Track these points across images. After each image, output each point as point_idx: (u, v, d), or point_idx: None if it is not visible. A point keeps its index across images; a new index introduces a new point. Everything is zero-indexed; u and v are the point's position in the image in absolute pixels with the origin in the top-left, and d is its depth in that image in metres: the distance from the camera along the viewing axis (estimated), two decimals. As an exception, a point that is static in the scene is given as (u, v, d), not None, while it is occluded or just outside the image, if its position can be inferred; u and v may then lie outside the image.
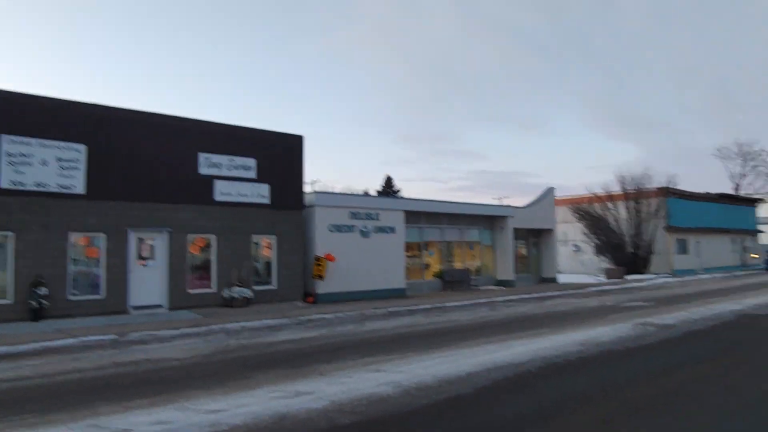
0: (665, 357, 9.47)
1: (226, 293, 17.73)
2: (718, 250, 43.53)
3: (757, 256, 48.11)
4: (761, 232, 51.13)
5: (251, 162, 18.87)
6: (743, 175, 56.46)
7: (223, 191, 18.17)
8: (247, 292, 17.92)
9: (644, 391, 7.07)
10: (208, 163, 17.91)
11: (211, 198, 17.89)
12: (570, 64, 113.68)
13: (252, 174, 18.88)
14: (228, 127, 18.77)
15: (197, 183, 17.66)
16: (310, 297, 19.71)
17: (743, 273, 39.65)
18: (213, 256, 17.99)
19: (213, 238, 17.99)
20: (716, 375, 8.12)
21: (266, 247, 19.49)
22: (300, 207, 20.22)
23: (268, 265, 19.51)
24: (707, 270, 39.99)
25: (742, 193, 54.12)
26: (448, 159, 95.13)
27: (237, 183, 18.52)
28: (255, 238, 19.06)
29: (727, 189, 53.76)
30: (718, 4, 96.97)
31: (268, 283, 19.29)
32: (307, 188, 21.38)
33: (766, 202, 54.50)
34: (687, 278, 33.82)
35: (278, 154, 19.70)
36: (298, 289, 19.77)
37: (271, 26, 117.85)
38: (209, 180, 17.91)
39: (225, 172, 18.26)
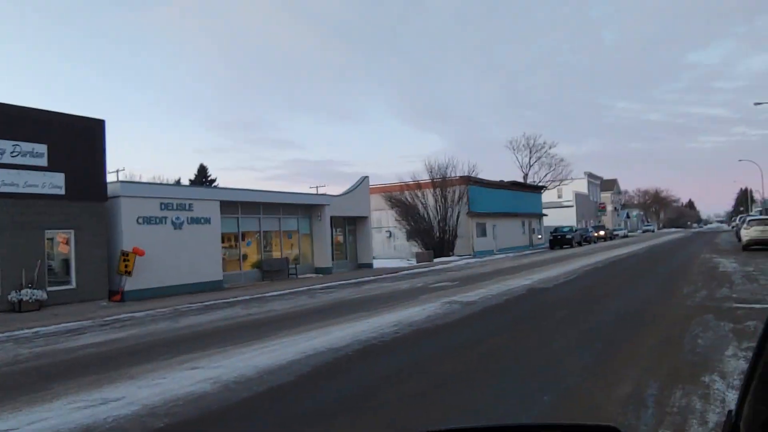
0: (468, 332, 10.40)
1: (13, 297, 15.68)
2: (511, 232, 48.70)
3: (541, 237, 54.86)
4: (545, 215, 58.33)
5: (41, 148, 16.83)
6: (530, 165, 63.59)
7: (6, 181, 16.00)
8: (39, 294, 16.03)
9: (450, 365, 7.70)
10: (-14, 149, 15.62)
11: (-10, 189, 15.65)
12: (382, 57, 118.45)
13: (43, 161, 16.86)
14: (10, 107, 16.52)
15: (-28, 172, 15.33)
16: (117, 295, 18.24)
17: (531, 252, 44.82)
18: (-4, 255, 15.79)
19: (-5, 235, 15.78)
20: (510, 345, 9.11)
21: (63, 242, 17.60)
22: (102, 198, 18.53)
23: (65, 262, 17.64)
24: (502, 250, 44.57)
25: (530, 181, 61.02)
26: (264, 148, 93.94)
27: (24, 172, 16.41)
28: (49, 233, 17.11)
29: (518, 177, 60.15)
30: (511, 9, 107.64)
31: (66, 282, 17.45)
32: (111, 177, 19.67)
33: (548, 189, 62.18)
34: (486, 258, 37.31)
35: (75, 140, 17.83)
36: (103, 287, 18.17)
37: (63, 2, 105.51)
38: (-12, 168, 15.63)
39: (8, 160, 16.08)
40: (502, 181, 50.02)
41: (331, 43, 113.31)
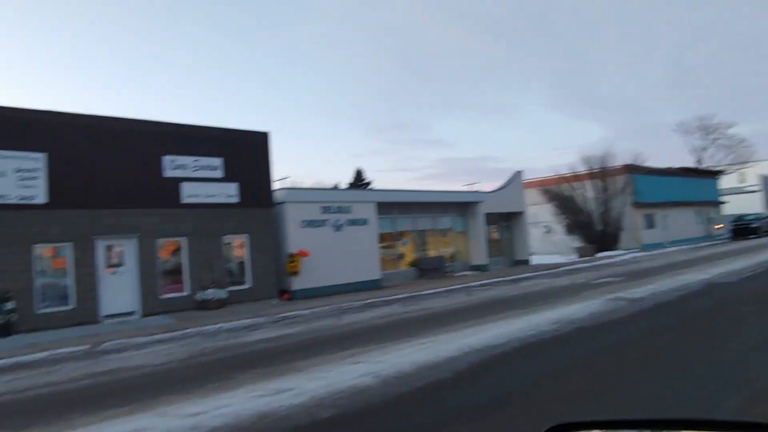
0: (635, 329, 9.68)
1: (199, 296, 17.53)
2: (683, 222, 44.57)
3: (721, 226, 49.42)
4: (724, 203, 52.49)
5: (217, 161, 18.65)
6: (704, 149, 57.67)
7: (190, 193, 17.93)
8: (221, 294, 17.75)
9: (616, 363, 7.23)
10: (173, 166, 17.64)
11: (178, 200, 17.64)
12: (531, 47, 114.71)
13: (219, 173, 18.66)
14: (191, 128, 18.51)
15: (163, 186, 17.39)
16: (286, 294, 19.63)
17: (709, 244, 40.69)
18: (184, 259, 17.76)
19: (183, 241, 17.76)
20: (684, 344, 8.32)
21: (238, 246, 19.31)
22: (270, 204, 20.07)
23: (241, 264, 19.35)
24: (674, 243, 40.95)
25: (704, 166, 55.35)
26: (417, 148, 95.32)
27: (204, 184, 18.29)
28: (226, 238, 18.87)
29: (689, 163, 54.87)
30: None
31: (242, 282, 19.13)
32: (276, 185, 21.23)
33: (727, 173, 55.87)
34: (655, 252, 34.56)
35: (244, 152, 19.50)
36: (273, 287, 19.65)
37: (230, 23, 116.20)
38: (175, 182, 17.65)
39: (191, 174, 18.01)
40: (670, 168, 45.94)
41: (478, 38, 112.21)
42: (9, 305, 13.88)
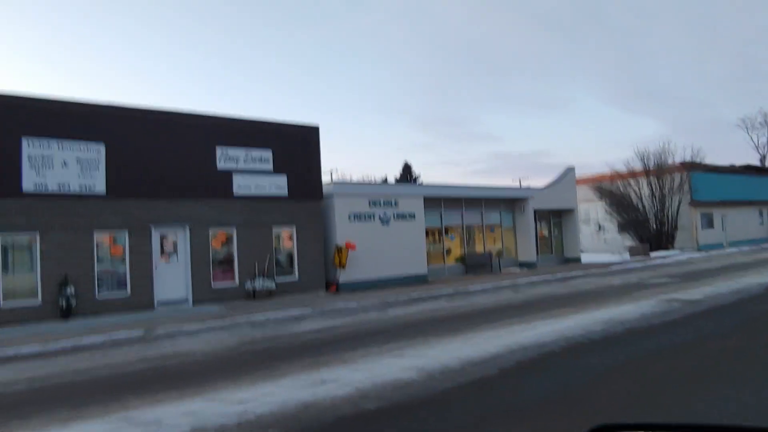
0: (690, 332, 9.35)
1: (249, 286, 17.91)
2: (744, 223, 42.72)
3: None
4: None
5: (268, 154, 18.96)
6: (770, 145, 55.09)
7: (241, 184, 18.30)
8: (270, 284, 18.08)
9: (668, 366, 7.00)
10: (225, 157, 18.04)
11: (230, 192, 18.04)
12: (585, 39, 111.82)
13: (269, 166, 18.97)
14: (243, 121, 18.87)
15: (216, 177, 17.81)
16: (333, 286, 19.83)
17: (772, 245, 38.90)
18: (235, 250, 18.17)
19: (234, 232, 18.16)
20: (743, 348, 7.99)
21: (287, 238, 19.61)
22: (319, 197, 20.29)
23: (289, 256, 19.64)
24: (734, 244, 39.32)
25: (769, 163, 52.91)
26: (466, 143, 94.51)
27: (255, 176, 18.64)
28: (275, 230, 19.19)
29: (754, 160, 52.52)
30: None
31: (290, 274, 19.43)
32: (325, 178, 21.43)
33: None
34: (713, 253, 33.30)
35: (294, 145, 19.76)
36: (320, 278, 19.88)
37: (282, 16, 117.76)
38: (227, 174, 18.05)
39: (242, 166, 18.38)
40: (732, 166, 44.08)
41: (531, 31, 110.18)
42: (69, 290, 14.50)
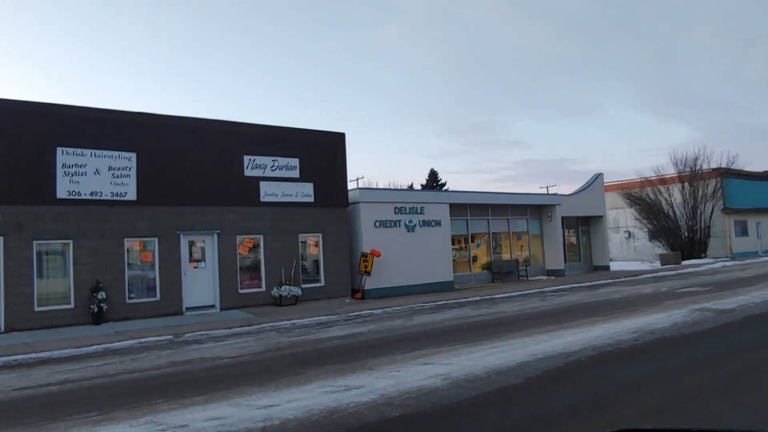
0: (724, 342, 9.13)
1: (275, 292, 18.04)
2: (780, 230, 41.60)
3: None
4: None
5: (294, 162, 19.13)
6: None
7: (268, 192, 18.48)
8: (296, 290, 18.19)
9: (701, 378, 6.84)
10: (252, 165, 18.25)
11: (257, 199, 18.24)
12: (616, 43, 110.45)
13: (296, 173, 19.13)
14: (270, 129, 19.09)
15: (243, 185, 18.03)
16: (359, 293, 19.86)
17: (809, 254, 37.77)
18: (262, 256, 18.34)
19: (261, 239, 18.34)
20: (780, 360, 7.76)
21: (313, 245, 19.73)
22: (344, 204, 20.37)
23: (315, 262, 19.75)
24: (769, 252, 38.30)
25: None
26: (494, 149, 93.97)
27: (281, 183, 18.81)
28: (302, 236, 19.32)
29: (789, 166, 51.16)
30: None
31: (316, 280, 19.53)
32: (351, 185, 21.51)
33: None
34: (747, 261, 32.47)
35: (320, 153, 19.90)
36: (346, 285, 19.94)
37: (308, 24, 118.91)
38: (255, 181, 18.25)
39: (269, 173, 18.57)
40: (767, 172, 43.01)
41: (560, 36, 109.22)
42: (101, 295, 14.80)
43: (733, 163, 37.52)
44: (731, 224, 36.95)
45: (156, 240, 16.34)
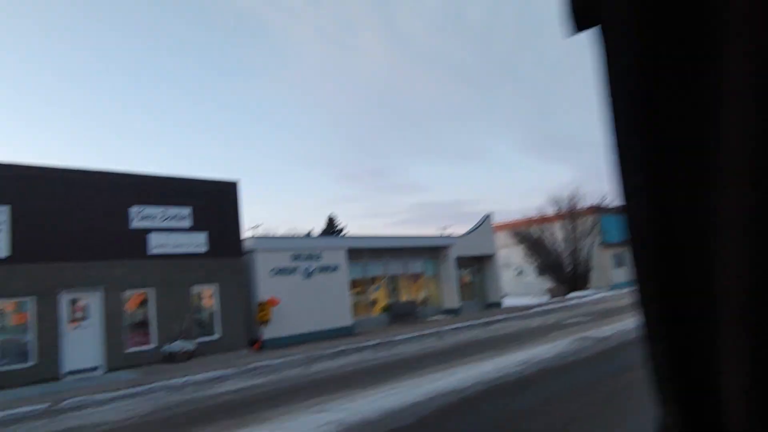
0: (602, 368, 9.80)
1: (166, 349, 17.18)
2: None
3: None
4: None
5: (186, 211, 18.60)
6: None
7: (157, 243, 17.78)
8: (188, 346, 17.42)
9: (579, 402, 7.30)
10: (140, 216, 17.55)
11: (145, 251, 17.48)
12: (501, 91, 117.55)
13: (187, 223, 18.59)
14: (159, 178, 18.51)
15: (130, 237, 17.24)
16: (257, 343, 19.34)
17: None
18: (152, 311, 17.48)
19: (151, 292, 17.51)
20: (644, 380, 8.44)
21: (208, 296, 19.09)
22: (239, 253, 19.97)
23: (210, 315, 19.08)
24: (643, 281, 41.57)
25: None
26: (391, 193, 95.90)
27: (172, 234, 18.18)
28: (195, 288, 18.66)
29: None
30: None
31: (211, 333, 18.84)
32: (247, 233, 21.20)
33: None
34: (625, 290, 35.04)
35: (213, 202, 19.50)
36: (243, 336, 19.37)
37: (201, 70, 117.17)
38: (142, 233, 17.52)
39: (159, 224, 17.91)
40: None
41: (449, 85, 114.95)
42: (-34, 364, 13.45)
43: (606, 200, 40.74)
44: (609, 257, 39.87)
45: (32, 299, 15.15)
